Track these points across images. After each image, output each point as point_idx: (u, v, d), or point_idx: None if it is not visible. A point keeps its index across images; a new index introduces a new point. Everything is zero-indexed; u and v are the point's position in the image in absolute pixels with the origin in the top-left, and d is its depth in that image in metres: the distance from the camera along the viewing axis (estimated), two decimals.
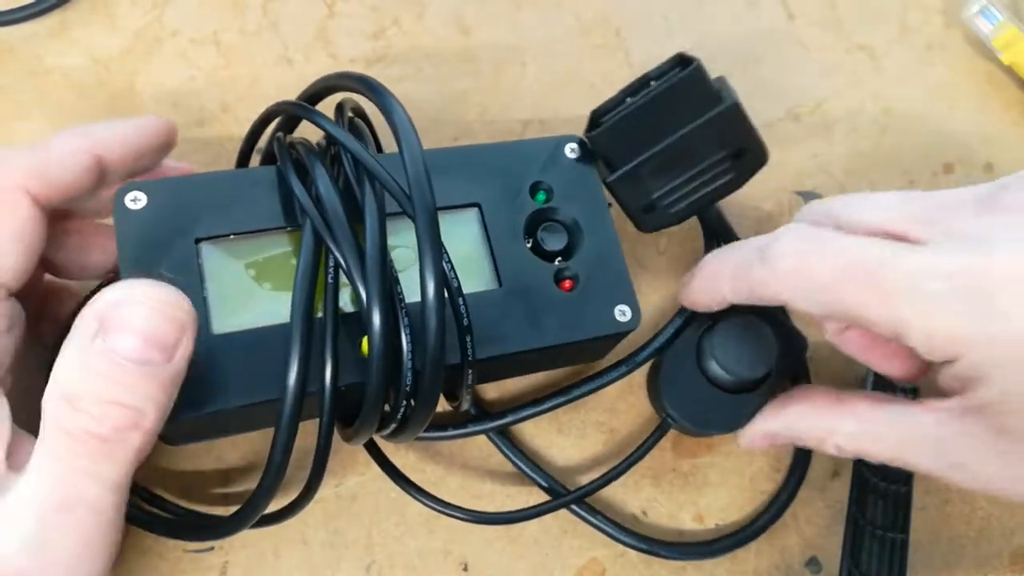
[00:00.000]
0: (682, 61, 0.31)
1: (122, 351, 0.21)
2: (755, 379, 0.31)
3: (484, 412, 0.33)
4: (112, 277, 0.29)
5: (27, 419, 0.24)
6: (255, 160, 0.33)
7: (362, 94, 0.28)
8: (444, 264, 0.26)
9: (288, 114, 0.31)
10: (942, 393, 0.27)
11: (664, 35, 0.40)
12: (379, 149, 0.32)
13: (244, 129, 0.35)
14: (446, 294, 0.26)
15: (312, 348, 0.25)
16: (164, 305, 0.22)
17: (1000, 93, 0.42)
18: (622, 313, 0.31)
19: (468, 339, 0.27)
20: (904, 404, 0.27)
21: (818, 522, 0.35)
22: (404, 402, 0.26)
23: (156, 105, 0.36)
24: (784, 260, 0.27)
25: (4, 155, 0.26)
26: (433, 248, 0.24)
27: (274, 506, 0.27)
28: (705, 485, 0.34)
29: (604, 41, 0.40)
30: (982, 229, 0.25)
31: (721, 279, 0.30)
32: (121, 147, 0.27)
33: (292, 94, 0.36)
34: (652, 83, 0.31)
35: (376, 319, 0.24)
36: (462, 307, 0.26)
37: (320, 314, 0.26)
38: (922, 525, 0.35)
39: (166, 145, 0.29)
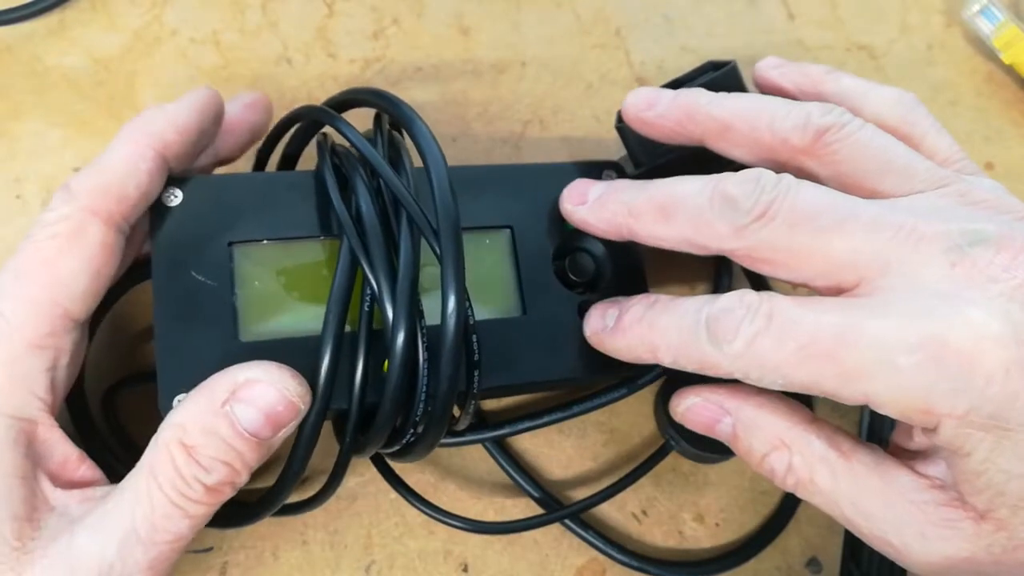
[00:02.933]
0: (715, 67, 0.31)
1: (244, 422, 0.23)
2: None
3: (482, 421, 0.33)
4: (143, 264, 0.29)
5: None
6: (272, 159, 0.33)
7: (392, 117, 0.27)
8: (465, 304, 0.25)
9: (314, 120, 0.30)
10: (913, 447, 0.26)
11: (664, 35, 0.40)
12: None
13: None
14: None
15: (339, 367, 0.25)
16: (289, 392, 0.24)
17: (1000, 93, 0.42)
18: None
19: (475, 373, 0.26)
20: (883, 456, 0.26)
21: (819, 522, 0.35)
22: (411, 430, 0.26)
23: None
24: (734, 344, 0.24)
25: (68, 182, 0.26)
26: (458, 300, 0.24)
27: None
28: (705, 485, 0.34)
29: (604, 41, 0.40)
30: (951, 285, 0.23)
31: (661, 349, 0.27)
32: (180, 137, 0.27)
33: (292, 94, 0.37)
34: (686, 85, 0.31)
35: (399, 347, 0.24)
36: (474, 343, 0.26)
37: (348, 328, 0.26)
38: None
39: (219, 115, 0.29)
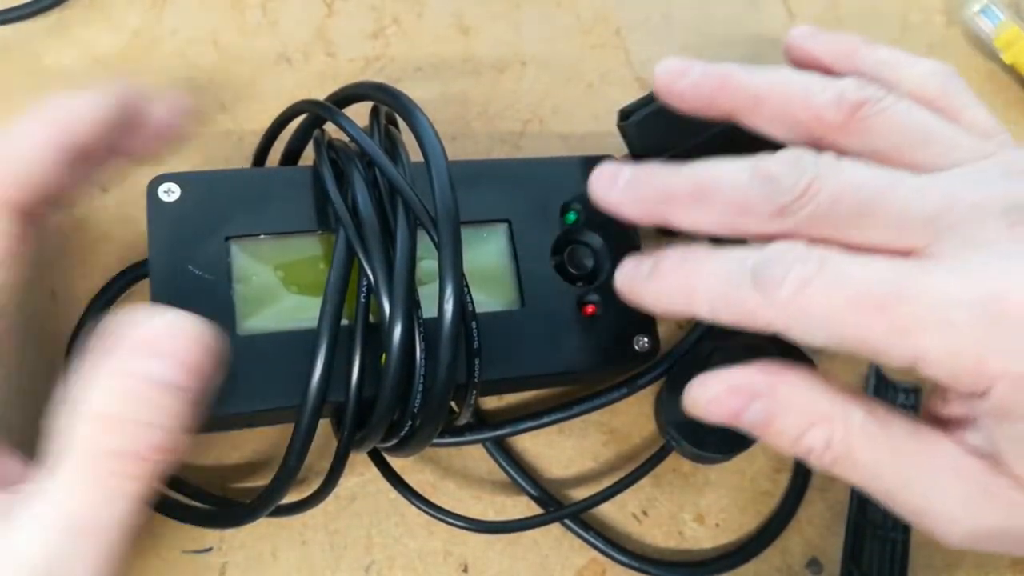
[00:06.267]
0: None
1: (160, 377, 0.22)
2: None
3: (482, 421, 0.33)
4: (137, 267, 0.29)
5: None
6: (273, 154, 0.33)
7: (394, 110, 0.28)
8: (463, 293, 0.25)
9: (315, 115, 0.30)
10: (948, 415, 0.25)
11: (664, 35, 0.40)
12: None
13: (243, 128, 0.36)
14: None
15: (336, 359, 0.25)
16: (199, 335, 0.22)
17: (1001, 93, 0.41)
18: (641, 344, 0.31)
19: (476, 361, 0.26)
20: (920, 423, 0.25)
21: (819, 523, 0.34)
22: (409, 421, 0.26)
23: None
24: (782, 289, 0.23)
25: None
26: (455, 286, 0.24)
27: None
28: (706, 485, 0.34)
29: (604, 40, 0.40)
30: (1011, 244, 0.23)
31: (697, 296, 0.25)
32: (88, 127, 0.25)
33: (291, 93, 0.36)
34: None
35: (396, 339, 0.24)
36: (474, 331, 0.26)
37: (346, 321, 0.26)
38: None
39: (135, 113, 0.27)
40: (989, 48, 0.41)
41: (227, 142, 0.35)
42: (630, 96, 0.39)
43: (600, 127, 0.38)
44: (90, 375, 0.22)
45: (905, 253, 0.24)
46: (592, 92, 0.39)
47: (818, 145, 0.27)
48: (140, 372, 0.22)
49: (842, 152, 0.26)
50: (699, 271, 0.25)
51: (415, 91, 0.37)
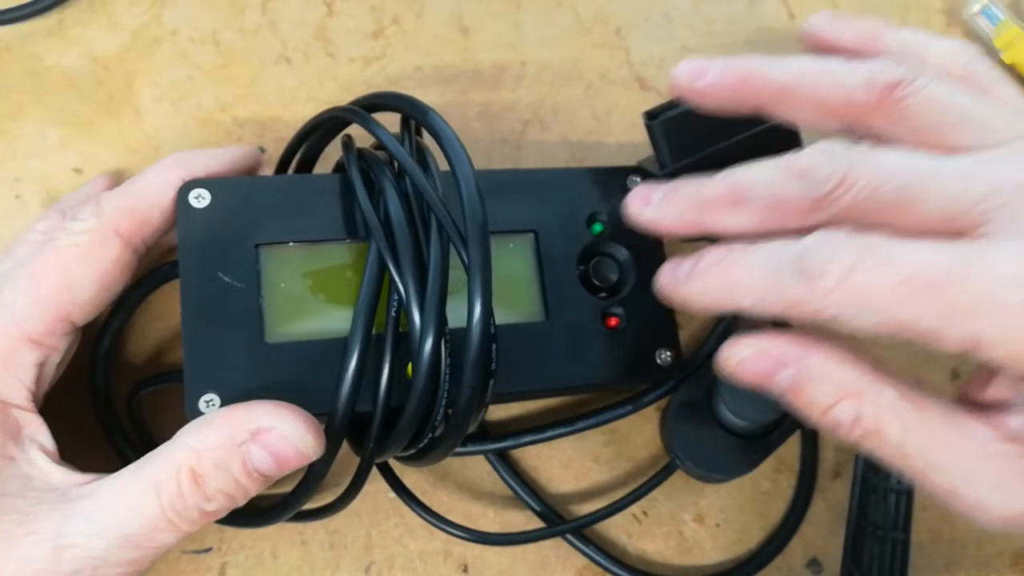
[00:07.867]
0: None
1: (256, 462, 0.24)
2: (768, 424, 0.30)
3: (485, 431, 0.33)
4: (170, 265, 0.30)
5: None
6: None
7: (422, 125, 0.27)
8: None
9: (336, 121, 0.30)
10: (988, 399, 0.25)
11: (664, 34, 0.40)
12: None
13: (243, 129, 0.36)
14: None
15: (365, 371, 0.25)
16: (305, 448, 0.25)
17: None
18: (663, 357, 0.30)
19: (491, 381, 0.26)
20: (955, 407, 0.24)
21: (819, 523, 0.34)
22: (429, 434, 0.26)
23: (155, 105, 0.36)
24: (827, 276, 0.23)
25: (100, 198, 0.28)
26: (484, 312, 0.24)
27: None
28: (706, 485, 0.34)
29: (604, 40, 0.40)
30: None
31: (740, 290, 0.25)
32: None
33: (291, 93, 0.36)
34: None
35: (426, 356, 0.24)
36: (494, 352, 0.26)
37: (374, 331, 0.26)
38: (924, 526, 0.34)
39: (252, 172, 0.31)
40: (989, 48, 0.41)
41: (228, 142, 0.36)
42: (630, 96, 0.39)
43: (600, 128, 0.38)
44: (205, 430, 0.24)
45: (954, 237, 0.23)
46: (592, 92, 0.39)
47: (852, 131, 0.26)
48: (242, 454, 0.24)
49: (877, 137, 0.26)
50: (741, 265, 0.25)
51: (415, 92, 0.37)
